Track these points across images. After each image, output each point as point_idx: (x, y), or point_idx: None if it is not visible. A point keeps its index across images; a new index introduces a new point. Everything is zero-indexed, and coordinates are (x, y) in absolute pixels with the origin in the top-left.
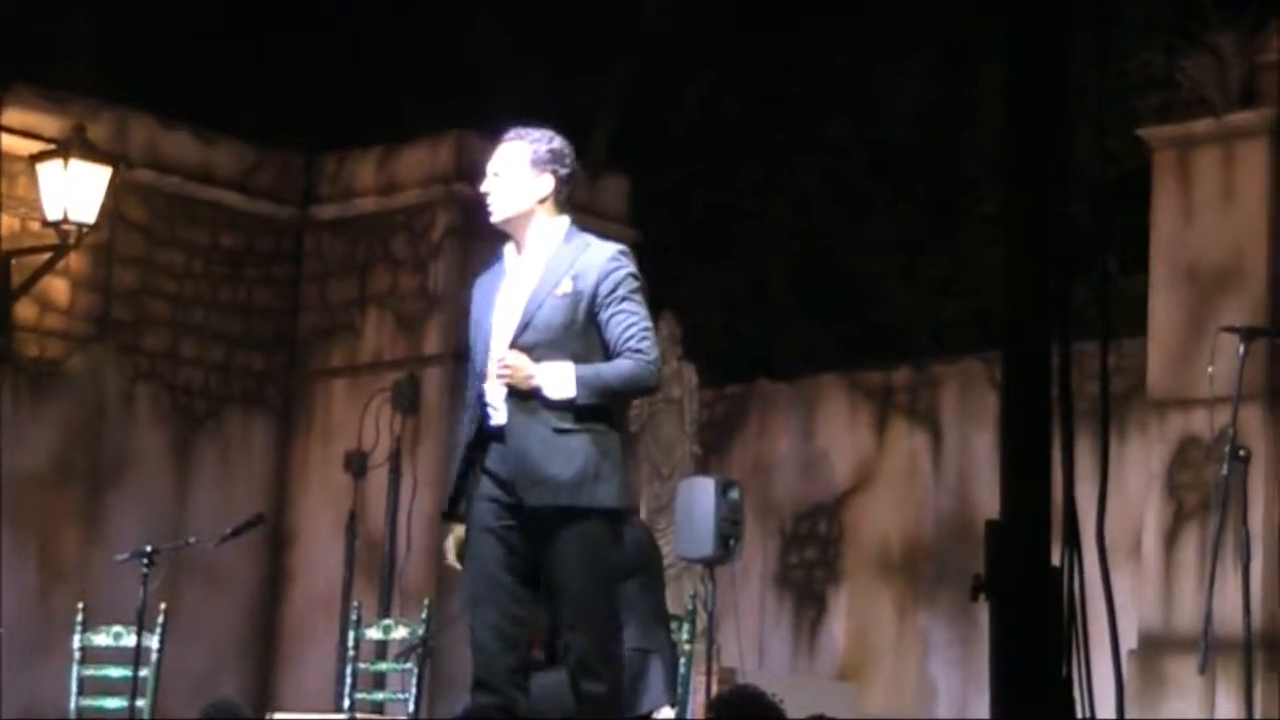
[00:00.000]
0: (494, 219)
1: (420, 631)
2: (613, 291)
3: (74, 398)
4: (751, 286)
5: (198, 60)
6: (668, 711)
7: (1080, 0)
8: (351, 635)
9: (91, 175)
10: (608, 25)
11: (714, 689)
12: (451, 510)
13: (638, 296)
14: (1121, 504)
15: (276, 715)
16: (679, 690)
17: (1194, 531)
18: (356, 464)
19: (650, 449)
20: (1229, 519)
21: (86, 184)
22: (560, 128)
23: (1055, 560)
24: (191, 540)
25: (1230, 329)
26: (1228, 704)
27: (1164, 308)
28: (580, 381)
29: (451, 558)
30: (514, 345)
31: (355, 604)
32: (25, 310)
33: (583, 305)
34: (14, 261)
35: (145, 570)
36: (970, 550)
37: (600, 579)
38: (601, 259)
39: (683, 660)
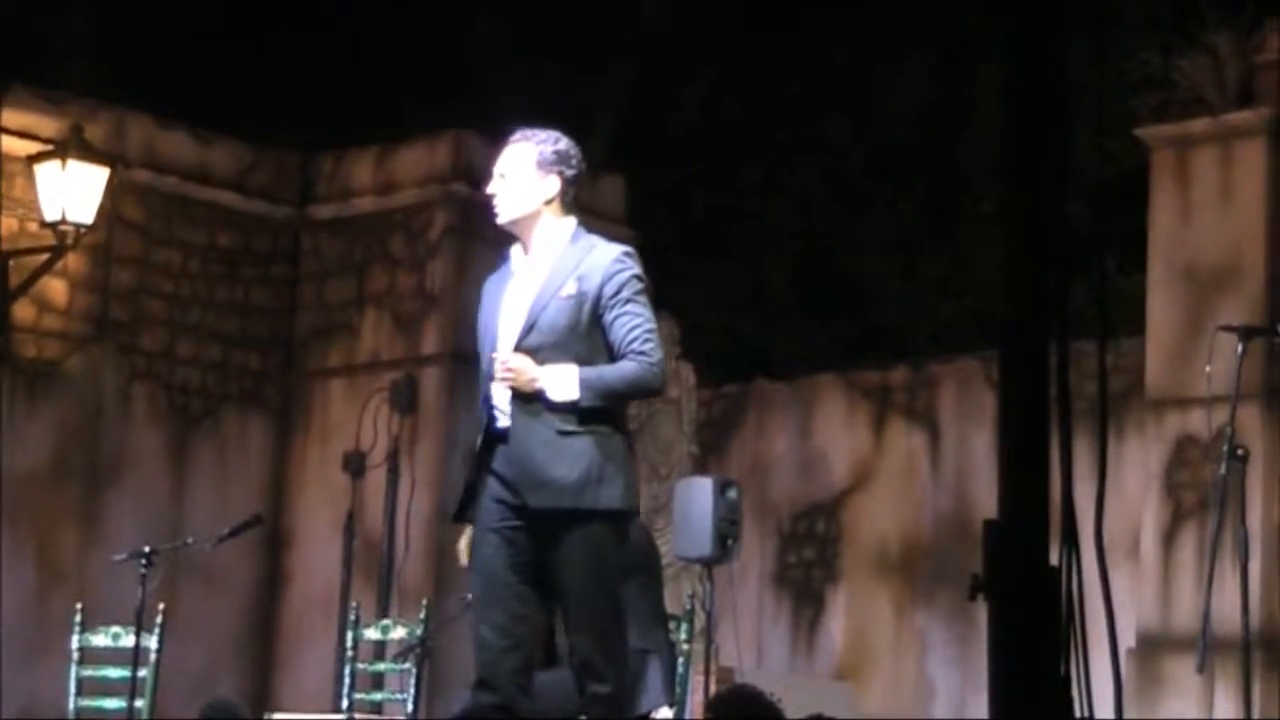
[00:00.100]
0: (500, 220)
1: (418, 631)
2: (617, 293)
3: (72, 398)
4: (750, 286)
5: (195, 60)
6: (666, 711)
7: (1078, 0)
8: (350, 635)
9: (89, 176)
10: (607, 25)
11: (712, 688)
12: (462, 513)
13: (642, 298)
14: (1120, 503)
15: (275, 715)
16: (677, 690)
17: (1192, 531)
18: (354, 464)
19: (648, 449)
20: (1227, 518)
21: (84, 184)
22: (559, 128)
23: (1053, 560)
24: (189, 540)
25: (1228, 328)
26: (1226, 703)
27: (1162, 307)
28: (583, 384)
29: (465, 559)
30: (518, 347)
31: (353, 604)
32: (23, 311)
33: (587, 307)
34: (12, 262)
35: (143, 570)
36: (968, 550)
37: (604, 580)
38: (606, 261)
39: (681, 660)
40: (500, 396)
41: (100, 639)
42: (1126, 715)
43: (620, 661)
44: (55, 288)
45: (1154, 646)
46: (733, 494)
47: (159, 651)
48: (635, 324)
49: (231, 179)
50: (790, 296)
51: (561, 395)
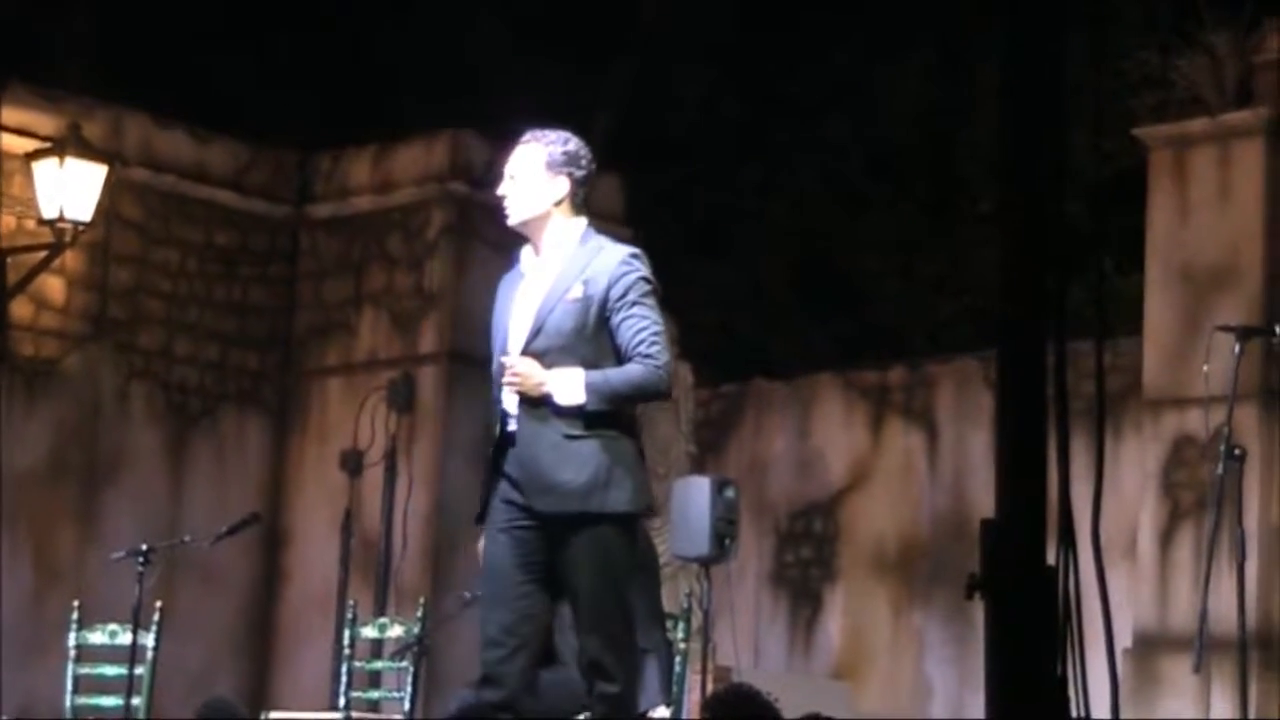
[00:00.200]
0: (510, 221)
1: (416, 630)
2: (623, 296)
3: (69, 396)
4: (748, 286)
5: (192, 59)
6: (663, 710)
7: (1076, 0)
8: (347, 634)
9: (87, 173)
10: (607, 25)
11: (709, 688)
12: (483, 516)
13: (649, 300)
14: (1117, 503)
15: (272, 714)
16: (674, 689)
17: (1189, 531)
18: (352, 463)
19: (646, 448)
20: (1224, 518)
21: (82, 182)
22: (557, 127)
23: (1051, 559)
24: (187, 539)
25: (1226, 328)
26: (1222, 703)
27: (1160, 307)
28: (589, 388)
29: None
30: (526, 351)
31: (351, 602)
32: (21, 309)
33: (593, 310)
34: (10, 260)
35: (141, 569)
36: (966, 549)
37: (613, 582)
38: (612, 263)
39: (678, 659)
40: (508, 400)
41: (97, 637)
42: (1123, 715)
43: (629, 662)
44: (53, 286)
45: (1151, 646)
46: (730, 493)
47: (156, 650)
48: (642, 326)
49: (229, 178)
50: (788, 296)
51: (567, 399)
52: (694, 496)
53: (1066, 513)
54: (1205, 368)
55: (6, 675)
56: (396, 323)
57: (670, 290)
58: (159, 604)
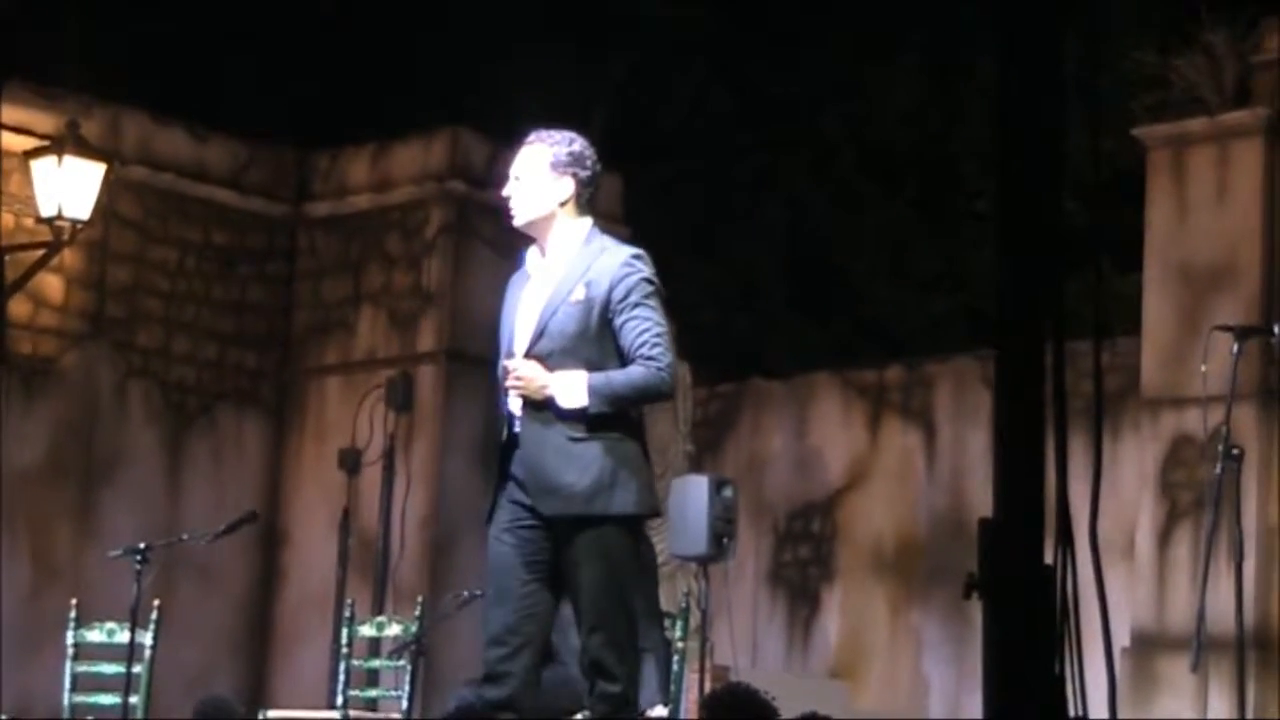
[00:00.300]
0: (516, 222)
1: (413, 629)
2: (625, 297)
3: (67, 395)
4: (744, 284)
5: (191, 57)
6: (661, 709)
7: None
8: (345, 632)
9: (85, 171)
10: (601, 23)
11: (707, 687)
12: (492, 516)
13: (651, 301)
14: (1115, 502)
15: (270, 712)
16: (672, 688)
17: (1187, 530)
18: (350, 461)
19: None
20: (1222, 518)
21: (80, 180)
22: (560, 126)
23: (1048, 559)
24: (185, 537)
25: (1224, 328)
26: (1220, 703)
27: (1158, 306)
28: (592, 390)
29: None
30: (529, 353)
31: (349, 601)
32: (19, 307)
33: (595, 312)
34: (8, 258)
35: (138, 567)
36: (964, 548)
37: (616, 582)
38: (614, 264)
39: (676, 658)
40: (513, 403)
41: (95, 635)
42: (1121, 714)
43: (631, 662)
44: (51, 284)
45: (1149, 645)
46: (728, 492)
47: (154, 648)
48: (644, 328)
49: (227, 176)
50: (784, 295)
51: (570, 402)
52: (692, 496)
53: (1064, 512)
54: (1203, 367)
55: (5, 673)
56: (395, 321)
57: (666, 289)
58: (157, 602)
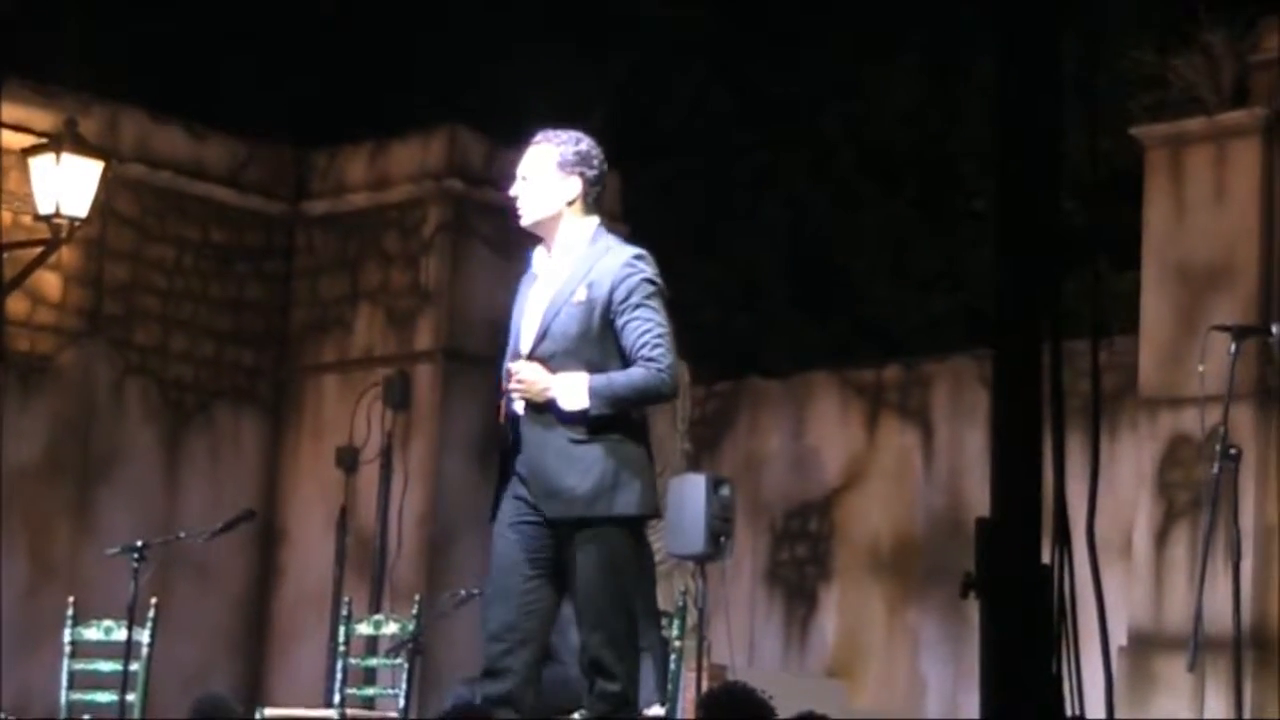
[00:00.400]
0: (524, 222)
1: (411, 627)
2: (627, 298)
3: (65, 392)
4: (743, 283)
5: (189, 55)
6: (658, 709)
7: None
8: (342, 630)
9: (83, 169)
10: (601, 23)
11: (704, 686)
12: (494, 516)
13: (653, 302)
14: (1112, 502)
15: (267, 710)
16: (669, 687)
17: (1185, 530)
18: (348, 460)
19: None
20: (1219, 518)
21: (78, 178)
22: (556, 125)
23: (1046, 558)
24: (182, 535)
25: (1222, 327)
26: (1217, 702)
27: (1155, 306)
28: (593, 392)
29: None
30: (532, 354)
31: (346, 599)
32: (17, 304)
33: (597, 313)
34: (5, 255)
35: (136, 565)
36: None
37: (617, 582)
38: (616, 265)
39: (673, 657)
40: (516, 404)
41: (92, 633)
42: (1118, 714)
43: (630, 661)
44: (49, 281)
45: (1146, 645)
46: (726, 491)
47: (151, 646)
48: (645, 329)
49: (225, 174)
50: (784, 294)
51: (572, 404)
52: (689, 494)
53: (1062, 511)
54: (1201, 367)
55: (2, 671)
56: (392, 320)
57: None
58: (154, 600)
